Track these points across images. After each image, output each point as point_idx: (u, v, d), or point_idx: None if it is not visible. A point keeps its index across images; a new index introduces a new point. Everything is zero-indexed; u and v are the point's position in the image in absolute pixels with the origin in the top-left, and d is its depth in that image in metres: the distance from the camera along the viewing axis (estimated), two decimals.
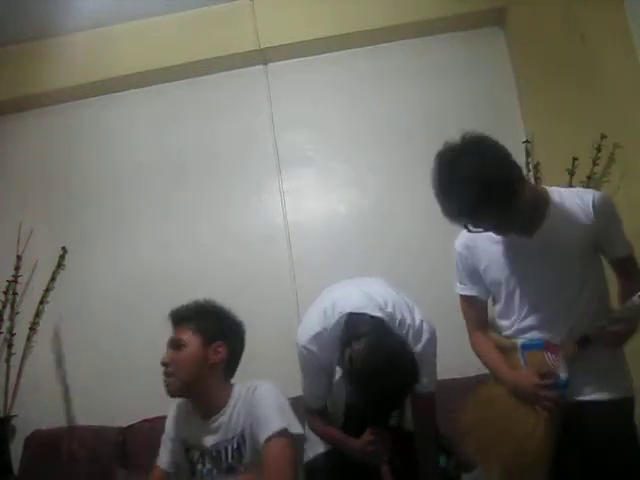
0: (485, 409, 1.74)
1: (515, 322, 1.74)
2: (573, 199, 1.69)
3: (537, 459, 1.58)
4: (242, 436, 1.67)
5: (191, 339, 1.73)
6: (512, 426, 1.64)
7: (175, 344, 1.74)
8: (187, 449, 1.77)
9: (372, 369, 1.62)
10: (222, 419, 1.70)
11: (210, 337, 1.75)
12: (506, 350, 1.76)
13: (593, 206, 1.66)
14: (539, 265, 1.67)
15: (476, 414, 1.73)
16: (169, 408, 1.88)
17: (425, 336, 1.89)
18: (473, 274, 1.82)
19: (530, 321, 1.70)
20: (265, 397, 1.67)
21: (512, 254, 1.70)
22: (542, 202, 1.70)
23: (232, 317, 1.83)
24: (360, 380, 1.66)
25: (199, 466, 1.73)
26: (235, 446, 1.68)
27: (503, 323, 1.80)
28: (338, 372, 1.91)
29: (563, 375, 1.61)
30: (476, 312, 1.87)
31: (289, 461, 1.59)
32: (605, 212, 1.68)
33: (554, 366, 1.62)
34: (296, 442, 1.65)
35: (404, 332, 1.84)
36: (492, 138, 1.72)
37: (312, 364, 1.87)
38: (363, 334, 1.70)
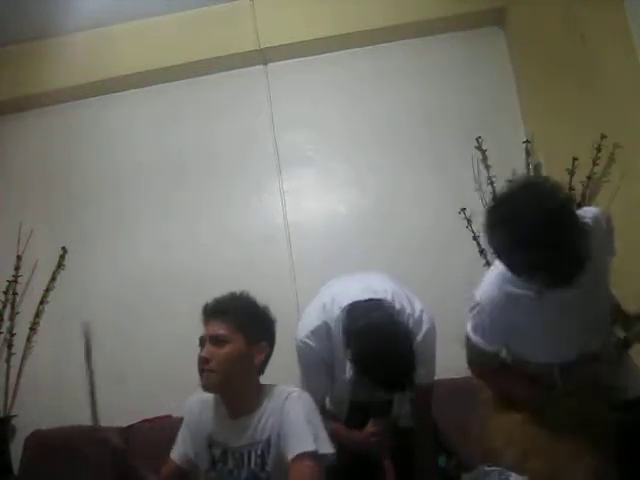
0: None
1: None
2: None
3: None
4: (268, 443, 1.62)
5: (234, 335, 1.66)
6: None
7: (217, 339, 1.66)
8: (210, 445, 1.71)
9: (371, 343, 1.65)
10: (251, 421, 1.65)
11: (254, 336, 1.69)
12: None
13: (605, 224, 1.62)
14: (572, 313, 1.55)
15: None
16: (187, 403, 1.81)
17: (425, 326, 1.89)
18: (503, 327, 1.65)
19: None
20: (297, 411, 1.61)
21: (551, 304, 1.54)
22: None
23: (269, 315, 1.77)
24: (360, 355, 1.68)
25: (220, 464, 1.68)
26: (259, 452, 1.63)
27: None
28: (341, 369, 1.89)
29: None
30: (490, 362, 1.77)
31: None
32: (610, 228, 1.64)
33: None
34: (325, 461, 1.59)
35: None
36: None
37: (310, 359, 1.87)
38: (363, 315, 1.71)
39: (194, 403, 1.78)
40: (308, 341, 1.84)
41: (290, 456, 1.56)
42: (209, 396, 1.74)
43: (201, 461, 1.72)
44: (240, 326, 1.67)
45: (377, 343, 1.66)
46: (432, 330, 1.92)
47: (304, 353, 1.86)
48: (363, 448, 1.83)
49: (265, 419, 1.64)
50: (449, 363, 2.74)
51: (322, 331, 1.83)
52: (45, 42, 3.18)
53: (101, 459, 2.74)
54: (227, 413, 1.70)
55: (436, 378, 2.52)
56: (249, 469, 1.63)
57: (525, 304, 1.55)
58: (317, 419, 1.64)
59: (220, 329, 1.67)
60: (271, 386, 1.71)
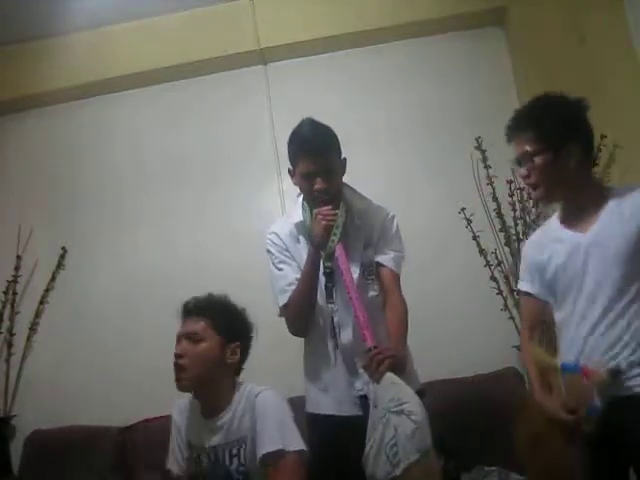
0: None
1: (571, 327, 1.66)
2: (627, 197, 1.62)
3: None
4: (244, 442, 1.64)
5: (209, 334, 1.69)
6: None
7: (192, 336, 1.68)
8: (189, 447, 1.74)
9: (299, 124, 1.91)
10: (224, 419, 1.67)
11: (229, 336, 1.71)
12: (546, 368, 1.68)
13: None
14: (589, 266, 1.61)
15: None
16: (172, 409, 1.83)
17: (387, 211, 2.04)
18: (533, 271, 1.76)
19: (578, 330, 1.62)
20: (266, 410, 1.63)
21: (568, 253, 1.65)
22: (598, 196, 1.65)
23: (246, 317, 1.79)
24: (290, 137, 1.92)
25: (198, 467, 1.70)
26: (235, 452, 1.64)
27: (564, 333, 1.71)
28: None
29: (596, 402, 1.52)
30: (528, 311, 1.82)
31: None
32: None
33: (588, 392, 1.54)
34: (296, 458, 1.59)
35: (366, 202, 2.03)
36: None
37: (275, 254, 1.96)
38: None
39: (176, 410, 1.80)
40: (274, 229, 2.01)
41: (259, 455, 1.58)
42: (188, 400, 1.77)
43: (188, 466, 1.73)
44: (216, 325, 1.70)
45: (300, 122, 1.92)
46: (393, 216, 2.04)
47: (271, 247, 2.00)
48: (317, 233, 1.83)
49: (238, 418, 1.65)
50: (449, 363, 2.76)
51: (286, 224, 2.01)
52: (45, 42, 3.18)
53: (100, 459, 2.76)
54: (201, 413, 1.72)
55: (436, 378, 2.54)
56: (225, 468, 1.64)
57: (551, 245, 1.70)
58: (287, 416, 1.65)
59: (196, 327, 1.70)
60: (240, 384, 1.73)
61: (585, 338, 1.61)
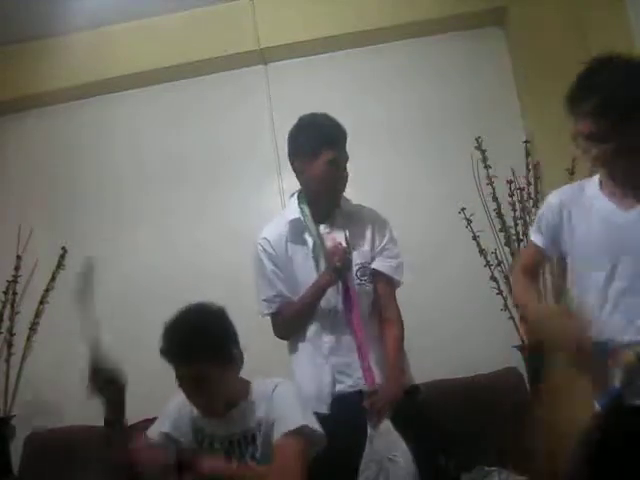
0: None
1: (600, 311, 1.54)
2: None
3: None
4: (259, 428, 1.63)
5: (209, 371, 1.58)
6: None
7: (195, 382, 1.59)
8: (197, 433, 1.70)
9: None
10: (239, 412, 1.65)
11: (226, 356, 1.63)
12: None
13: None
14: (626, 245, 1.51)
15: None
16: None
17: (375, 214, 2.05)
18: (551, 228, 1.66)
19: (614, 315, 1.52)
20: (287, 395, 1.64)
21: (606, 227, 1.54)
22: None
23: (227, 319, 1.69)
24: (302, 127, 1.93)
25: (207, 450, 1.68)
26: (250, 438, 1.64)
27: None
28: None
29: (617, 383, 1.46)
30: (531, 257, 1.78)
31: (301, 461, 1.55)
32: None
33: (611, 374, 1.47)
34: (314, 437, 1.60)
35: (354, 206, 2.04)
36: None
37: (265, 261, 1.96)
38: None
39: (171, 406, 1.77)
40: (264, 235, 2.01)
41: (278, 434, 1.57)
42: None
43: (186, 445, 1.70)
44: (211, 361, 1.59)
45: (311, 114, 1.97)
46: (386, 221, 2.05)
47: (259, 255, 2.01)
48: (331, 264, 1.84)
49: (254, 408, 1.65)
50: (449, 363, 2.76)
51: (278, 227, 2.01)
52: (45, 42, 3.18)
53: (100, 459, 2.75)
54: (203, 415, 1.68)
55: (436, 378, 2.54)
56: (240, 455, 1.63)
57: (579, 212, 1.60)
58: (306, 404, 1.66)
59: (192, 372, 1.59)
60: (258, 380, 1.71)
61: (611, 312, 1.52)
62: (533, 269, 1.77)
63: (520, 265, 1.82)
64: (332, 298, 1.90)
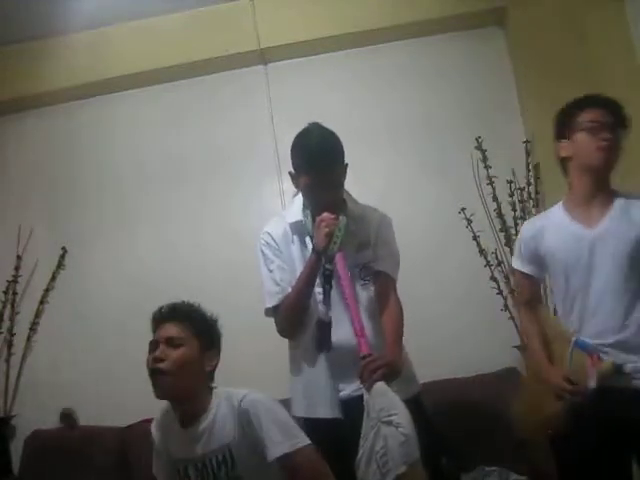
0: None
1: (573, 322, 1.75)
2: (635, 203, 1.74)
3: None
4: (229, 447, 1.60)
5: (189, 339, 1.65)
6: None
7: (171, 341, 1.63)
8: (174, 462, 1.69)
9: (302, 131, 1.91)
10: (204, 426, 1.62)
11: (208, 343, 1.69)
12: (557, 336, 1.79)
13: None
14: (595, 261, 1.69)
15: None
16: (151, 427, 1.79)
17: (382, 214, 2.05)
18: (531, 253, 1.87)
19: (587, 325, 1.71)
20: (260, 413, 1.59)
21: (575, 243, 1.73)
22: (608, 194, 1.76)
23: (218, 326, 1.77)
24: (293, 145, 1.90)
25: (185, 479, 1.66)
26: (220, 458, 1.61)
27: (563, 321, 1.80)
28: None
29: (592, 384, 1.63)
30: (527, 288, 1.95)
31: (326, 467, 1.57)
32: None
33: (588, 374, 1.64)
34: (310, 449, 1.59)
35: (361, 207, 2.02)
36: None
37: (269, 254, 1.95)
38: None
39: (155, 427, 1.76)
40: (268, 230, 1.99)
41: (270, 460, 1.56)
42: (161, 414, 1.73)
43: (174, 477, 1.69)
44: (196, 331, 1.67)
45: (306, 130, 1.91)
46: (389, 220, 2.05)
47: (262, 248, 1.98)
48: (319, 241, 1.80)
49: (220, 423, 1.61)
50: (449, 363, 2.76)
51: (280, 226, 2.00)
52: (45, 42, 3.18)
53: (100, 459, 2.76)
54: (179, 423, 1.67)
55: (436, 378, 2.54)
56: (214, 476, 1.61)
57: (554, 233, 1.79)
58: (283, 415, 1.63)
59: (176, 331, 1.65)
60: (219, 389, 1.69)
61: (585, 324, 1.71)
62: (533, 298, 1.95)
63: (522, 301, 1.99)
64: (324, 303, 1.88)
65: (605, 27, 2.86)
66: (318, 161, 1.83)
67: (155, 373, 1.61)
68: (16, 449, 2.94)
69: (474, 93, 3.11)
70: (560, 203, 1.85)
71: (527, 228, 1.93)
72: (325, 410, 1.86)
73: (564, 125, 1.84)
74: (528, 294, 1.94)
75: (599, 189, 1.76)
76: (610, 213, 1.72)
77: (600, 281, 1.68)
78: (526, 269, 1.89)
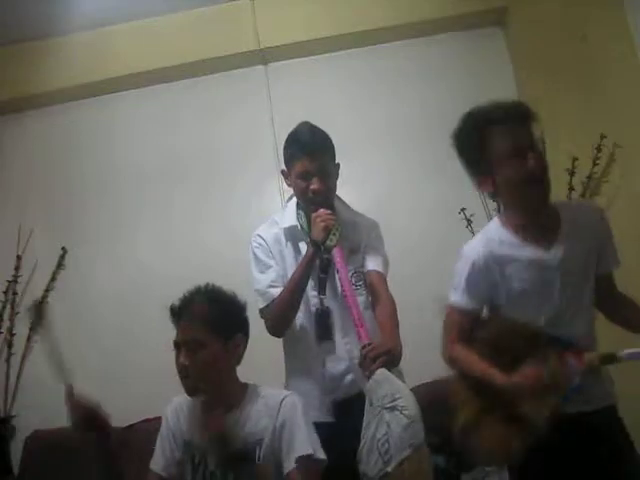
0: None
1: None
2: (581, 215, 1.66)
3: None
4: (259, 445, 1.58)
5: (208, 337, 1.62)
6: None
7: (192, 344, 1.61)
8: (189, 449, 1.68)
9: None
10: (234, 419, 1.61)
11: (228, 331, 1.65)
12: (528, 337, 1.61)
13: (599, 221, 1.66)
14: (556, 283, 1.59)
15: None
16: (166, 407, 1.80)
17: (372, 220, 2.07)
18: (479, 284, 1.69)
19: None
20: (296, 415, 1.60)
21: (533, 270, 1.60)
22: (553, 211, 1.64)
23: (238, 302, 1.75)
24: (287, 138, 1.96)
25: (201, 467, 1.64)
26: (250, 452, 1.59)
27: None
28: None
29: (576, 381, 1.53)
30: (467, 325, 1.72)
31: None
32: (607, 227, 1.67)
33: (571, 370, 1.53)
34: (320, 466, 1.59)
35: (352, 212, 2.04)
36: None
37: (261, 255, 1.97)
38: None
39: (171, 409, 1.75)
40: (260, 233, 2.03)
41: (294, 457, 1.55)
42: (184, 399, 1.72)
43: (184, 468, 1.68)
44: (213, 326, 1.64)
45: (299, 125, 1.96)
46: (379, 228, 2.07)
47: (255, 249, 2.03)
48: (315, 235, 1.83)
49: (254, 419, 1.61)
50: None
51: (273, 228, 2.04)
52: (45, 42, 3.18)
53: (100, 459, 2.75)
54: (206, 412, 1.65)
55: (435, 378, 2.53)
56: (235, 471, 1.59)
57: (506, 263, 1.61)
58: (310, 424, 1.63)
59: (193, 333, 1.63)
60: (254, 386, 1.69)
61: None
62: (469, 335, 1.69)
63: (454, 338, 1.72)
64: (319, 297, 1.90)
65: (605, 27, 2.86)
66: (309, 145, 1.88)
67: (182, 376, 1.63)
68: (16, 449, 2.93)
69: (474, 93, 3.09)
70: (496, 225, 1.70)
71: (475, 255, 1.69)
72: (317, 414, 1.85)
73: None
74: (468, 330, 1.69)
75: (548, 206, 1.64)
76: (562, 233, 1.61)
77: (565, 301, 1.59)
78: (470, 303, 1.71)
